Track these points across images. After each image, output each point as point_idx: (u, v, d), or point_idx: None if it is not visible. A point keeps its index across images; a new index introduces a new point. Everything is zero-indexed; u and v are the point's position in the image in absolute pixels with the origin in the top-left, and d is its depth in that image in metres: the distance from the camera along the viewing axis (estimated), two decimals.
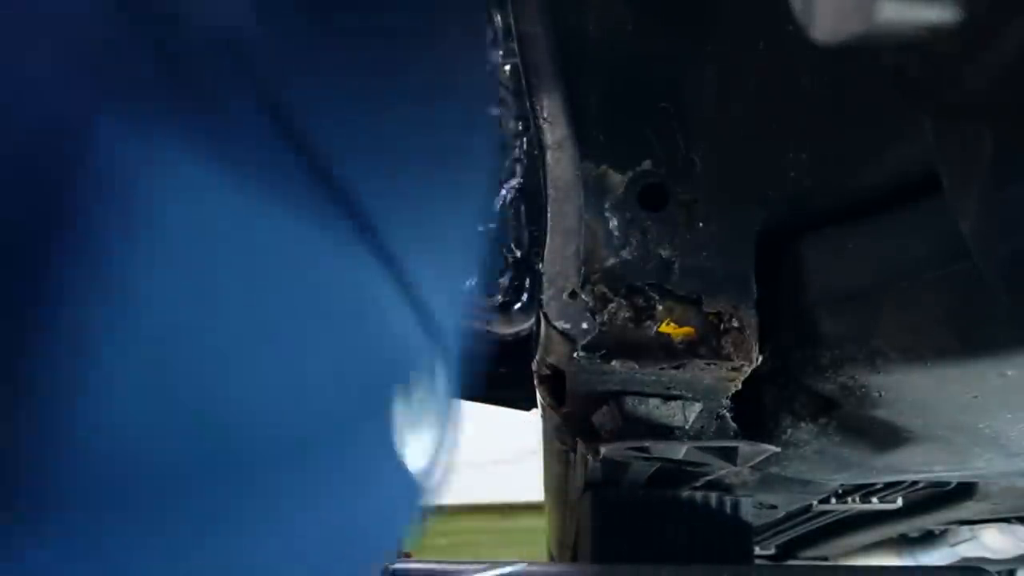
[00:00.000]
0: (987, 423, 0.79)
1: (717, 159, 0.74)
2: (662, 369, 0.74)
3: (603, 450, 0.87)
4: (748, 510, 1.31)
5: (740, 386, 0.78)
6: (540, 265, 0.74)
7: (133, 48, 0.36)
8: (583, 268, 0.73)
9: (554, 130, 0.74)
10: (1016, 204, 0.40)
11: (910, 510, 1.48)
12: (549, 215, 0.74)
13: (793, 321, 0.78)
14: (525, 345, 1.09)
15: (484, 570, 1.12)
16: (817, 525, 1.68)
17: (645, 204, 0.75)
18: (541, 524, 2.57)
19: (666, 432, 0.84)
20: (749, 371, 0.75)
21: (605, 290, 0.74)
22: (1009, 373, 0.64)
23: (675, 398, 0.81)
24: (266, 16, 0.40)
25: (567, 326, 0.73)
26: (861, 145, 0.70)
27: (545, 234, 0.74)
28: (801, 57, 0.67)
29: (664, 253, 0.74)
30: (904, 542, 1.90)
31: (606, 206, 0.74)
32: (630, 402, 0.82)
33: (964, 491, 1.35)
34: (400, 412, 0.47)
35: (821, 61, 0.66)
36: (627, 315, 0.74)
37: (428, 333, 0.49)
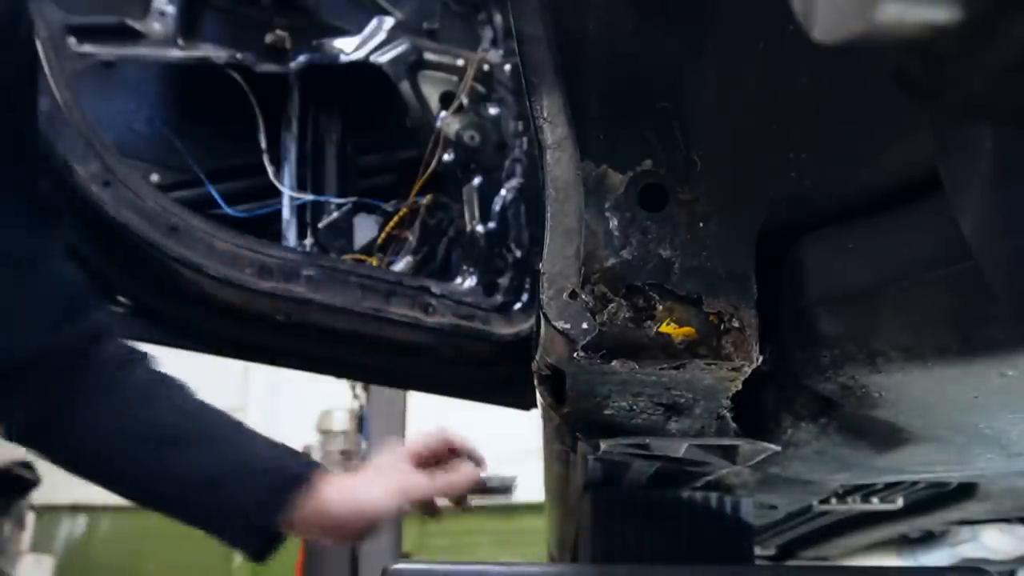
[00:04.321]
0: (987, 423, 0.79)
1: (717, 159, 0.74)
2: (662, 369, 0.73)
3: (603, 446, 0.87)
4: (748, 510, 1.31)
5: (740, 386, 0.78)
6: (540, 265, 0.74)
7: None
8: (583, 268, 0.73)
9: (554, 130, 0.74)
10: (1016, 204, 0.40)
11: (910, 510, 1.48)
12: (549, 215, 0.74)
13: (793, 321, 0.78)
14: (525, 345, 1.09)
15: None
16: (817, 525, 1.68)
17: (645, 204, 0.75)
18: (541, 524, 2.56)
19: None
20: (749, 371, 0.75)
21: (605, 290, 0.74)
22: (1009, 373, 0.64)
23: (675, 400, 0.81)
24: None
25: (567, 326, 0.72)
26: (861, 145, 0.70)
27: (545, 234, 0.74)
28: (801, 57, 0.67)
29: (664, 253, 0.74)
30: (904, 542, 1.90)
31: (606, 206, 0.74)
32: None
33: (965, 491, 1.35)
34: None
35: (821, 61, 0.66)
36: (627, 315, 0.74)
37: None
